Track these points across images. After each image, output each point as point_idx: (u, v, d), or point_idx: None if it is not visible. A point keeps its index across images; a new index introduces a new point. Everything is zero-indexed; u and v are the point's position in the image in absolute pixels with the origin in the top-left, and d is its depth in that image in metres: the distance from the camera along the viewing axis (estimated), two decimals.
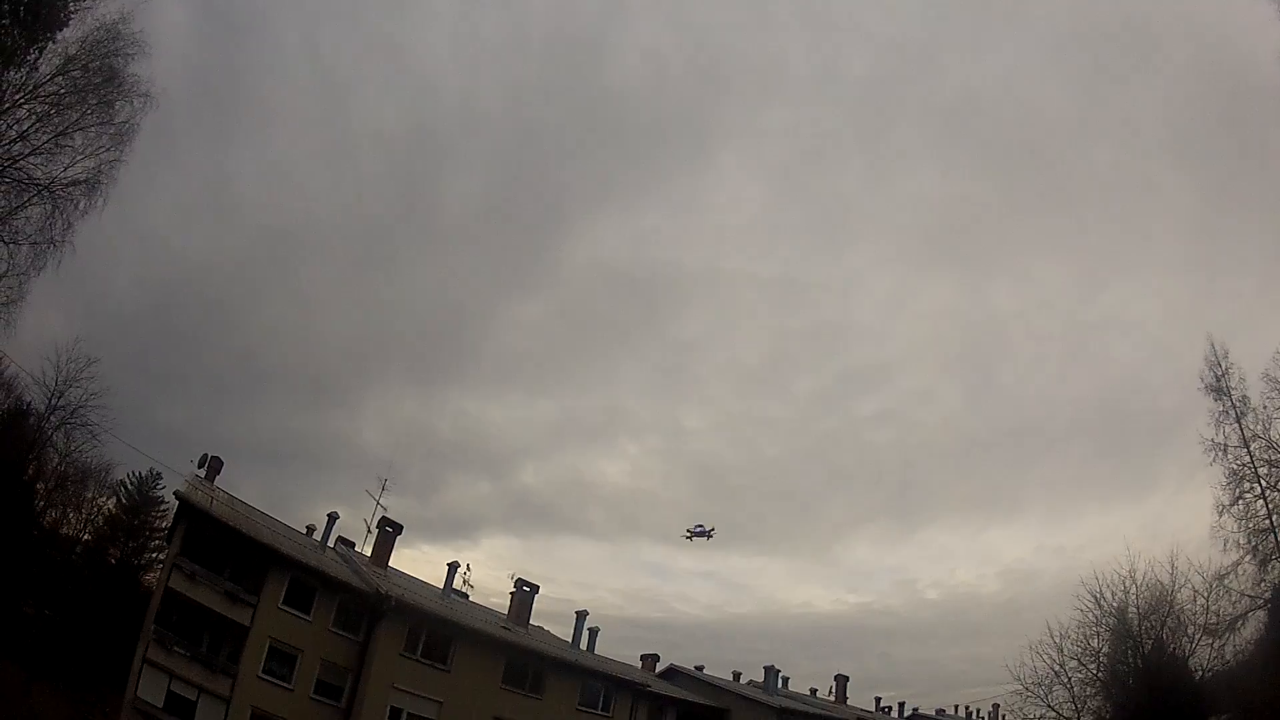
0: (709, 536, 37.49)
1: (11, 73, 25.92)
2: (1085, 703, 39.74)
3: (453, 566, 44.02)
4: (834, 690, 60.34)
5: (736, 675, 57.62)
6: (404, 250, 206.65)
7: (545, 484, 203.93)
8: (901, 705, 66.78)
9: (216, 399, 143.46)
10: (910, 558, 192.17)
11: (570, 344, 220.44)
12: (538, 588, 45.11)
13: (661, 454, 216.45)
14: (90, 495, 63.61)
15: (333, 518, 42.65)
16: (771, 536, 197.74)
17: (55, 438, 49.45)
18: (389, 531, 42.22)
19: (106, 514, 67.67)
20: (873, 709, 61.73)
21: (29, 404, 51.60)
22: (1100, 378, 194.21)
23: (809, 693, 59.67)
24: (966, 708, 74.10)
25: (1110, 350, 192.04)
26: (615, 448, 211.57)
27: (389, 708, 35.23)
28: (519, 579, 45.02)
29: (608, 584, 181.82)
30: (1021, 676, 39.94)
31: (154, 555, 66.33)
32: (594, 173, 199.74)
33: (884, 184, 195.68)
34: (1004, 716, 66.45)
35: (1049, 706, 40.13)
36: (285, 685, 33.68)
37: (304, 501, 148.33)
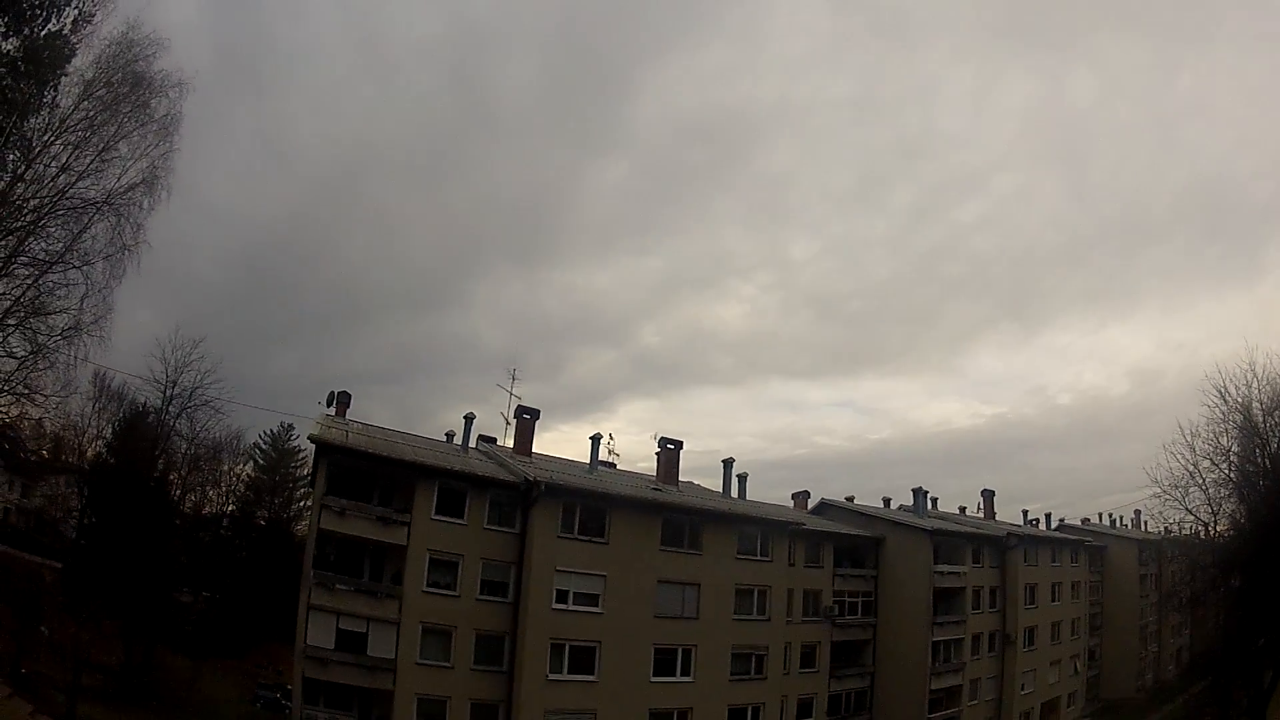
0: None
1: (32, 119, 24.84)
2: (1220, 505, 35.97)
3: (595, 439, 40.48)
4: (981, 506, 56.63)
5: (886, 502, 54.31)
6: (473, 148, 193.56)
7: (666, 341, 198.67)
8: (1048, 517, 63.20)
9: (327, 338, 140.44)
10: (1036, 362, 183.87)
11: (661, 197, 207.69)
12: (681, 443, 41.01)
13: (775, 289, 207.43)
14: (226, 468, 63.37)
15: (469, 419, 39.90)
16: (897, 356, 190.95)
17: (178, 425, 48.11)
18: (527, 419, 39.01)
19: (246, 480, 67.47)
20: (1020, 523, 57.96)
21: (144, 404, 50.91)
22: (1191, 167, 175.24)
23: (958, 511, 56.25)
24: (1110, 515, 70.66)
25: (1197, 138, 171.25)
26: (728, 291, 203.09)
27: (554, 591, 32.82)
28: (662, 438, 41.07)
29: (746, 429, 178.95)
30: (1158, 479, 36.10)
31: (301, 504, 66.25)
32: (647, 25, 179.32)
33: None
34: (1145, 523, 63.12)
35: (1186, 510, 36.62)
36: (450, 593, 31.78)
37: (438, 411, 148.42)
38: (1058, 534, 60.22)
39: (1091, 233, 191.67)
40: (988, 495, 56.32)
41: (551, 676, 32.22)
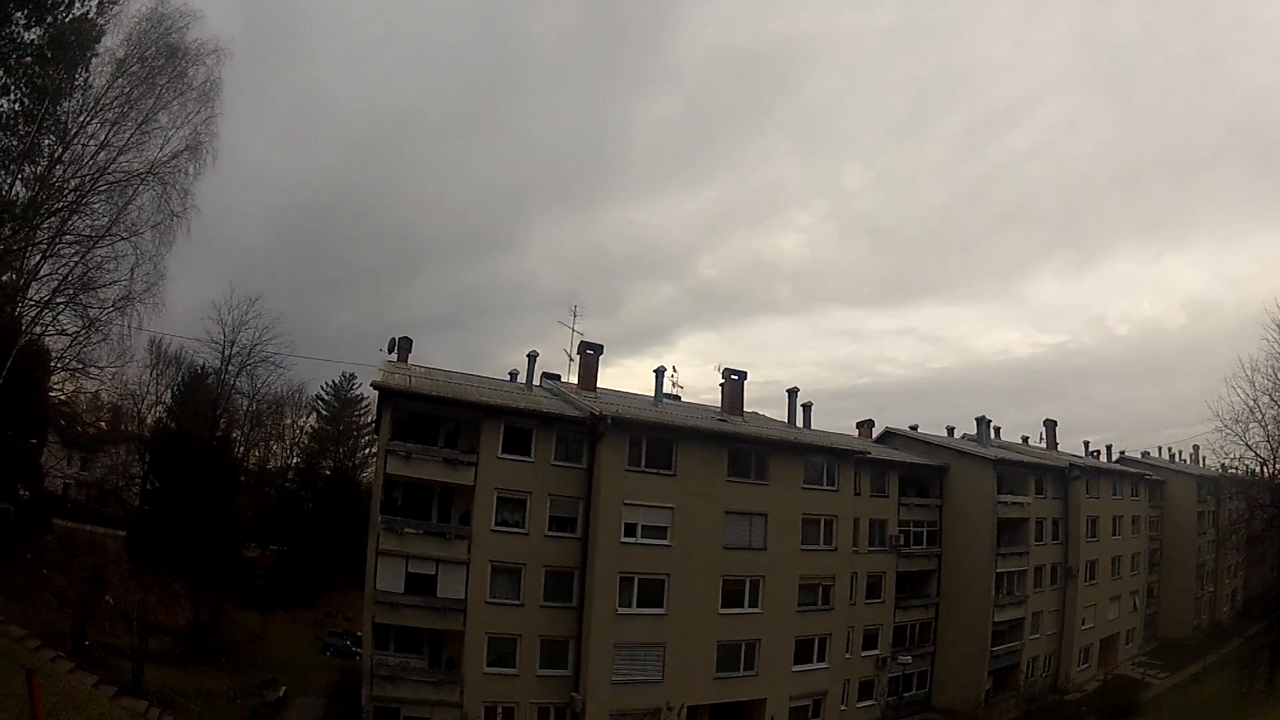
0: None
1: (65, 103, 24.34)
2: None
3: (659, 372, 38.69)
4: (1044, 437, 54.18)
5: (950, 431, 51.95)
6: (518, 94, 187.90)
7: (725, 273, 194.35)
8: (1108, 448, 60.54)
9: (383, 288, 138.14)
10: (1095, 291, 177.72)
11: (711, 132, 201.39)
12: (745, 374, 38.87)
13: (830, 219, 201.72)
14: (289, 421, 62.88)
15: (533, 357, 38.30)
16: (956, 284, 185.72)
17: (239, 383, 47.87)
18: (590, 354, 37.32)
19: (310, 432, 66.76)
20: (1082, 454, 55.49)
21: (203, 366, 50.25)
22: (1238, 97, 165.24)
23: (1021, 441, 53.93)
24: (1169, 449, 68.00)
25: (1243, 68, 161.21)
26: (784, 222, 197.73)
27: (623, 525, 31.42)
28: (726, 369, 38.88)
29: (807, 358, 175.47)
30: (1219, 412, 34.03)
31: (366, 452, 65.68)
32: None
33: None
34: (1204, 458, 61.83)
35: (1246, 446, 34.47)
36: (519, 531, 30.85)
37: (497, 352, 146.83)
38: (1119, 466, 57.66)
39: (1143, 162, 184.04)
40: (1050, 425, 53.68)
41: (621, 610, 31.13)
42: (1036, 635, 45.96)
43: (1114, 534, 52.24)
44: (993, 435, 49.62)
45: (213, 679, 33.23)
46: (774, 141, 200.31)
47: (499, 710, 30.13)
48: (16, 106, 23.23)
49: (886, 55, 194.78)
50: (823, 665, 36.08)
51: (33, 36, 23.31)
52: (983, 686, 42.30)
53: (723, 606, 33.32)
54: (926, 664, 43.06)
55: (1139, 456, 62.08)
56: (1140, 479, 56.44)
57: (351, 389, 65.95)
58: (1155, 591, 58.62)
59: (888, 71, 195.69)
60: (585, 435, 32.01)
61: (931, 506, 44.21)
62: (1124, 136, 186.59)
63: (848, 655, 38.31)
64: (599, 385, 37.70)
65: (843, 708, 37.87)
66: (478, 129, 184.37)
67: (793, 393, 41.03)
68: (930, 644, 43.36)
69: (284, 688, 35.15)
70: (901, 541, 42.11)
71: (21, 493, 39.63)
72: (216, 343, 45.41)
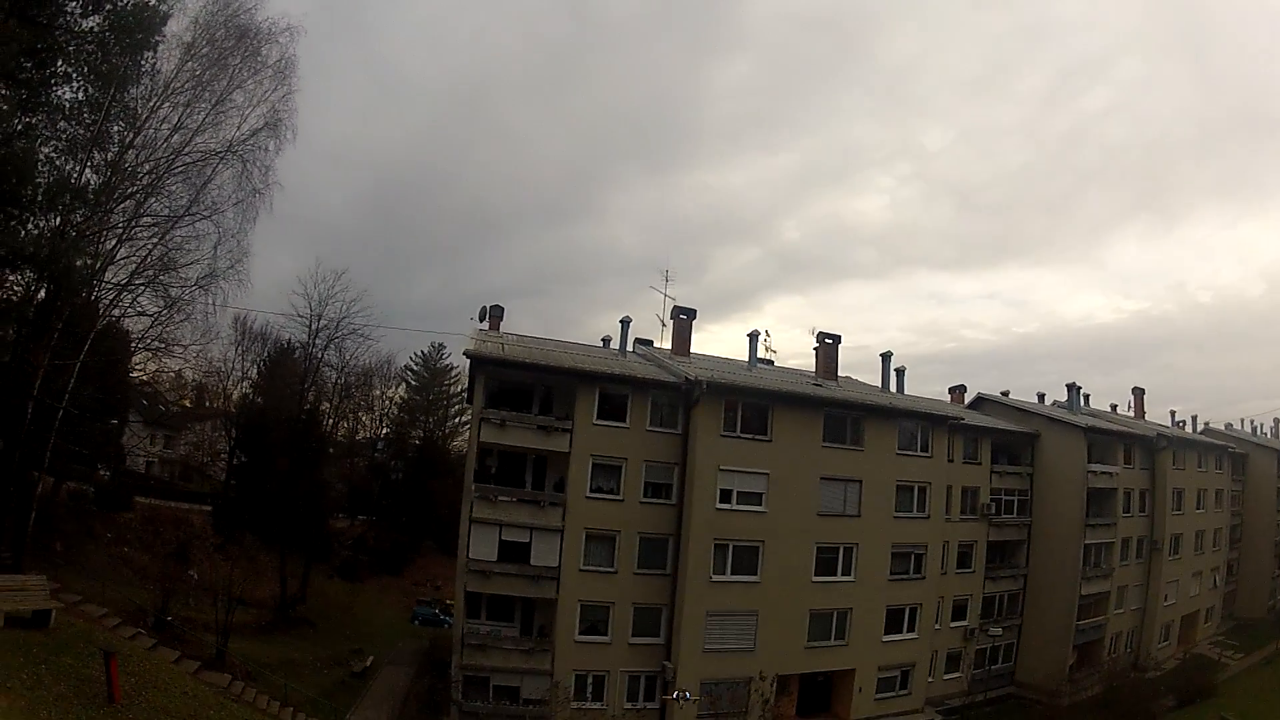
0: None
1: (132, 89, 23.60)
2: None
3: (753, 336, 36.70)
4: (1132, 405, 51.07)
5: (1040, 397, 49.09)
6: (591, 60, 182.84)
7: (808, 236, 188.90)
8: (1194, 419, 57.23)
9: (465, 257, 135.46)
10: (1176, 255, 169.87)
11: (787, 93, 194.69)
12: (839, 338, 36.51)
13: (912, 180, 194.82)
14: (378, 392, 61.68)
15: (626, 322, 36.21)
16: (1039, 246, 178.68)
17: (327, 356, 46.44)
18: (684, 319, 35.30)
19: (399, 402, 65.44)
20: (1167, 423, 52.34)
21: (289, 340, 49.23)
22: None
23: (1110, 409, 50.93)
24: (1251, 422, 64.52)
25: None
26: (866, 183, 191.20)
27: (718, 490, 29.61)
28: (820, 332, 36.56)
29: (893, 323, 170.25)
30: None
31: (457, 421, 64.36)
32: None
33: None
34: None
35: None
36: (614, 497, 29.50)
37: (581, 319, 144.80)
38: (1204, 438, 54.33)
39: (1220, 124, 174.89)
40: (1138, 394, 50.37)
41: (715, 578, 29.37)
42: (1120, 610, 43.21)
43: (1198, 507, 49.03)
44: (1082, 403, 46.75)
45: (299, 649, 32.29)
46: (852, 102, 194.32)
47: (589, 678, 28.81)
48: (80, 95, 22.28)
49: (961, 11, 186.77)
50: (912, 636, 34.11)
51: (91, 24, 22.43)
52: (1066, 661, 39.85)
53: (816, 574, 31.52)
54: (1013, 636, 40.64)
55: (1223, 428, 58.71)
56: (1224, 451, 52.97)
57: (441, 359, 64.83)
58: (1235, 569, 55.50)
59: (963, 28, 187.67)
60: (680, 401, 30.29)
61: (1023, 475, 41.39)
62: (1201, 100, 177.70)
63: (937, 626, 36.17)
64: (691, 350, 35.68)
65: (929, 679, 35.80)
66: (553, 96, 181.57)
67: (886, 357, 38.43)
68: (1017, 616, 40.85)
69: (371, 657, 34.07)
70: (993, 510, 39.54)
71: (101, 472, 39.09)
72: (303, 317, 44.50)
